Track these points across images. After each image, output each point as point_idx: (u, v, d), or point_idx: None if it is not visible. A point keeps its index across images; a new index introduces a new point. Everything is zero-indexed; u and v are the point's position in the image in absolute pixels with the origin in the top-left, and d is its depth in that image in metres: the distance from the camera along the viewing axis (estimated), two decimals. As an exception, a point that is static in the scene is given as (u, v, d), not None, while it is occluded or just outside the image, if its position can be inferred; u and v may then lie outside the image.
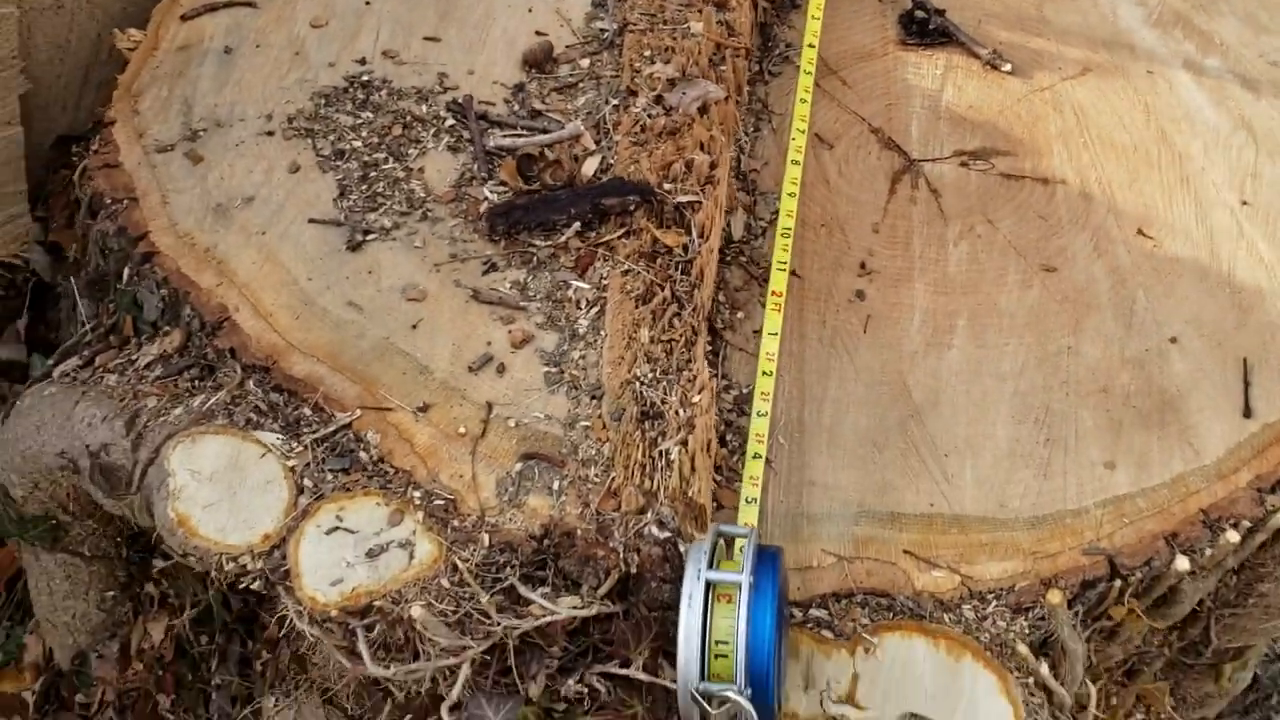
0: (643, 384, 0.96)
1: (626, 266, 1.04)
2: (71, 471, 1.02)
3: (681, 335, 0.99)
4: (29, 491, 1.12)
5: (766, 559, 0.84)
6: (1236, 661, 1.23)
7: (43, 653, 1.39)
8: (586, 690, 0.91)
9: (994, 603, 0.95)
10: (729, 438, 1.02)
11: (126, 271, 1.09)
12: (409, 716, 0.88)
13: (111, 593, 1.27)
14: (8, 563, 1.41)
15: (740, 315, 1.11)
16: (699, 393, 0.95)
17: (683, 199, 1.07)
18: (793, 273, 1.13)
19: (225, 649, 1.19)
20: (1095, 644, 1.04)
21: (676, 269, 1.04)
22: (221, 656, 1.20)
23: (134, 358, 1.05)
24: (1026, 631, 0.94)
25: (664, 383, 0.96)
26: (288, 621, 0.88)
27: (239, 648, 1.18)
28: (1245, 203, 1.25)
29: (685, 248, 1.05)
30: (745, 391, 1.05)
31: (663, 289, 1.02)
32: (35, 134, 1.35)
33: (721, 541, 0.88)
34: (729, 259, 1.14)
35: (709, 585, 0.81)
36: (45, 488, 1.11)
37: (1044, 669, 0.92)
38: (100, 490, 0.99)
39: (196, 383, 1.00)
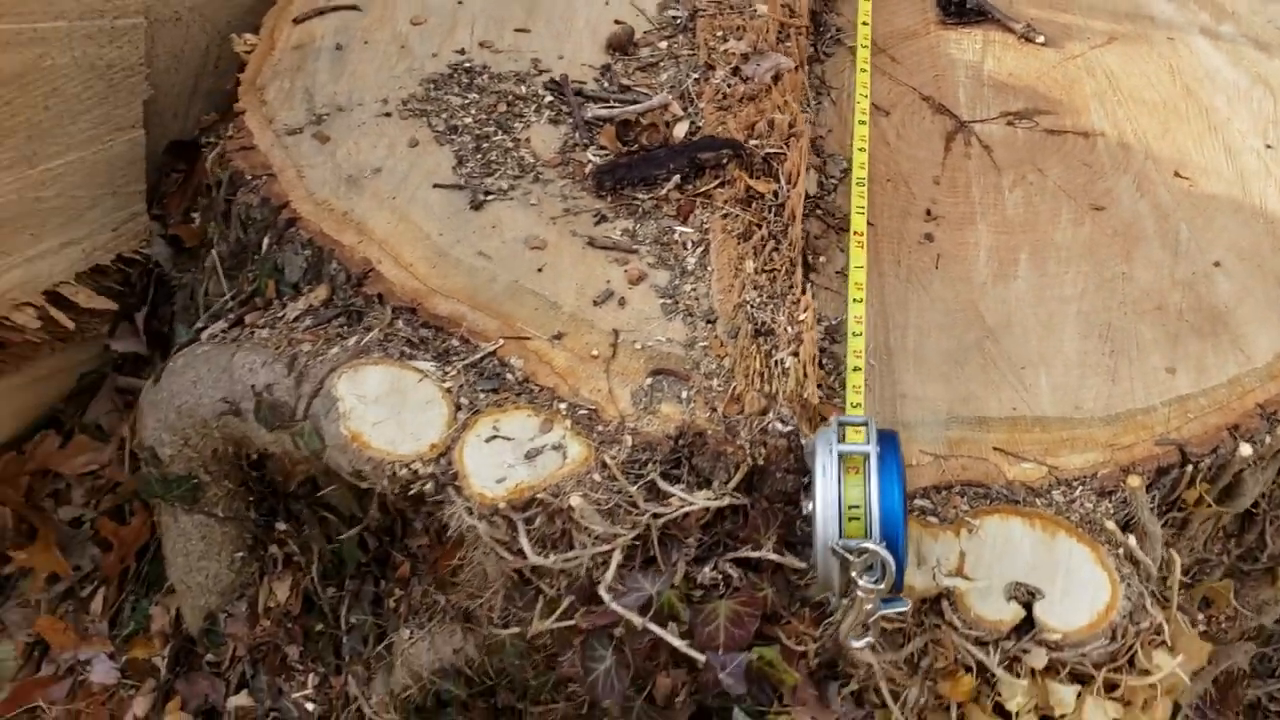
0: (752, 307, 1.07)
1: (725, 211, 1.15)
2: (232, 414, 1.13)
3: (782, 266, 1.11)
4: (178, 450, 1.22)
5: (887, 436, 0.94)
6: (1291, 563, 1.32)
7: (169, 621, 1.48)
8: (721, 577, 1.01)
9: (1080, 488, 1.05)
10: (824, 362, 1.13)
11: (266, 241, 1.20)
12: (571, 599, 0.98)
13: (240, 554, 1.36)
14: (133, 538, 1.51)
15: (822, 259, 1.22)
16: (804, 312, 1.07)
17: (769, 151, 1.19)
18: (867, 222, 1.24)
19: (359, 591, 1.29)
20: (1166, 538, 1.14)
21: (770, 211, 1.16)
22: (354, 598, 1.29)
23: (281, 313, 1.16)
24: (1111, 512, 1.04)
25: (771, 305, 1.08)
26: (454, 519, 0.98)
27: (372, 588, 1.28)
28: (1269, 146, 1.37)
29: (775, 193, 1.17)
30: (835, 323, 1.16)
31: (760, 228, 1.13)
32: (150, 139, 1.47)
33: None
34: (806, 212, 1.26)
35: (840, 457, 0.91)
36: (195, 442, 1.21)
37: (1131, 540, 1.02)
38: (264, 425, 1.09)
39: (345, 328, 1.11)
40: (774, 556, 0.99)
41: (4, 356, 1.43)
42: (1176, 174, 1.33)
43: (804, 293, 1.09)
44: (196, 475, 1.26)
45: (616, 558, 0.97)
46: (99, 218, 1.42)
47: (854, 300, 1.13)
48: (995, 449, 1.07)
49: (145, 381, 1.53)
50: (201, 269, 1.41)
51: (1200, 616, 1.30)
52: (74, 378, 1.57)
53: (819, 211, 1.26)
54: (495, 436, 0.99)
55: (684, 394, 1.03)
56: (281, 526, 1.36)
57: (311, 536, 1.32)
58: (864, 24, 1.41)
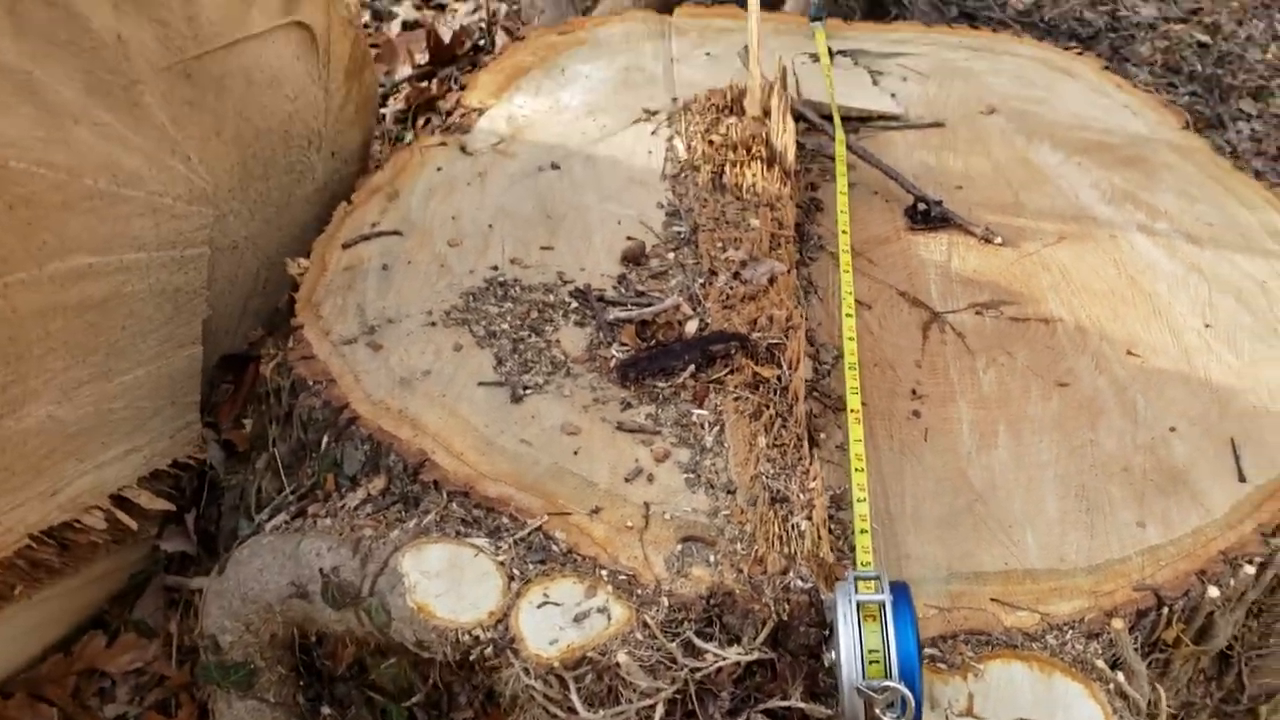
0: (767, 478, 1.21)
1: (736, 394, 1.31)
2: (299, 597, 1.23)
3: (790, 440, 1.25)
4: (238, 636, 1.32)
5: (899, 587, 1.06)
6: (1269, 703, 1.42)
7: (210, 813, 1.53)
8: (753, 727, 1.11)
9: (1070, 632, 1.17)
10: (832, 528, 1.26)
11: (326, 439, 1.34)
12: (620, 752, 1.07)
13: (287, 739, 1.44)
14: (178, 735, 1.58)
15: (823, 436, 1.37)
16: (813, 480, 1.20)
17: (771, 342, 1.35)
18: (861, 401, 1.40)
19: (406, 768, 1.36)
20: (1152, 677, 1.25)
21: (775, 393, 1.31)
22: (402, 775, 1.36)
23: (342, 503, 1.28)
24: (1099, 652, 1.16)
25: (783, 476, 1.22)
26: (511, 681, 1.08)
27: (420, 764, 1.35)
28: (1208, 325, 1.55)
29: (779, 377, 1.33)
30: (838, 492, 1.29)
31: (768, 408, 1.29)
32: (205, 353, 1.62)
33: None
34: (805, 394, 1.41)
35: (858, 607, 1.03)
36: (256, 628, 1.31)
37: (1120, 677, 1.13)
38: (331, 605, 1.20)
39: (404, 512, 1.23)
40: (801, 705, 1.09)
41: (67, 559, 1.53)
42: (1129, 352, 1.50)
43: (812, 463, 1.23)
44: (253, 661, 1.35)
45: (660, 711, 1.07)
46: (159, 426, 1.55)
47: (855, 470, 1.27)
48: (992, 600, 1.19)
49: (192, 579, 1.64)
50: (252, 470, 1.54)
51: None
52: (124, 578, 1.67)
53: (816, 394, 1.42)
54: (546, 603, 1.11)
55: (711, 558, 1.15)
56: (326, 710, 1.44)
57: (358, 717, 1.40)
58: (843, 232, 1.61)
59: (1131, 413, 1.41)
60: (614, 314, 1.43)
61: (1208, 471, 1.34)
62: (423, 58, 3.13)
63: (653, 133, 1.83)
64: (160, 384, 1.53)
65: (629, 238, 1.58)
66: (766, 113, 1.77)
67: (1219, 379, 1.47)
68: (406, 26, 3.46)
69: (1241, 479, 1.34)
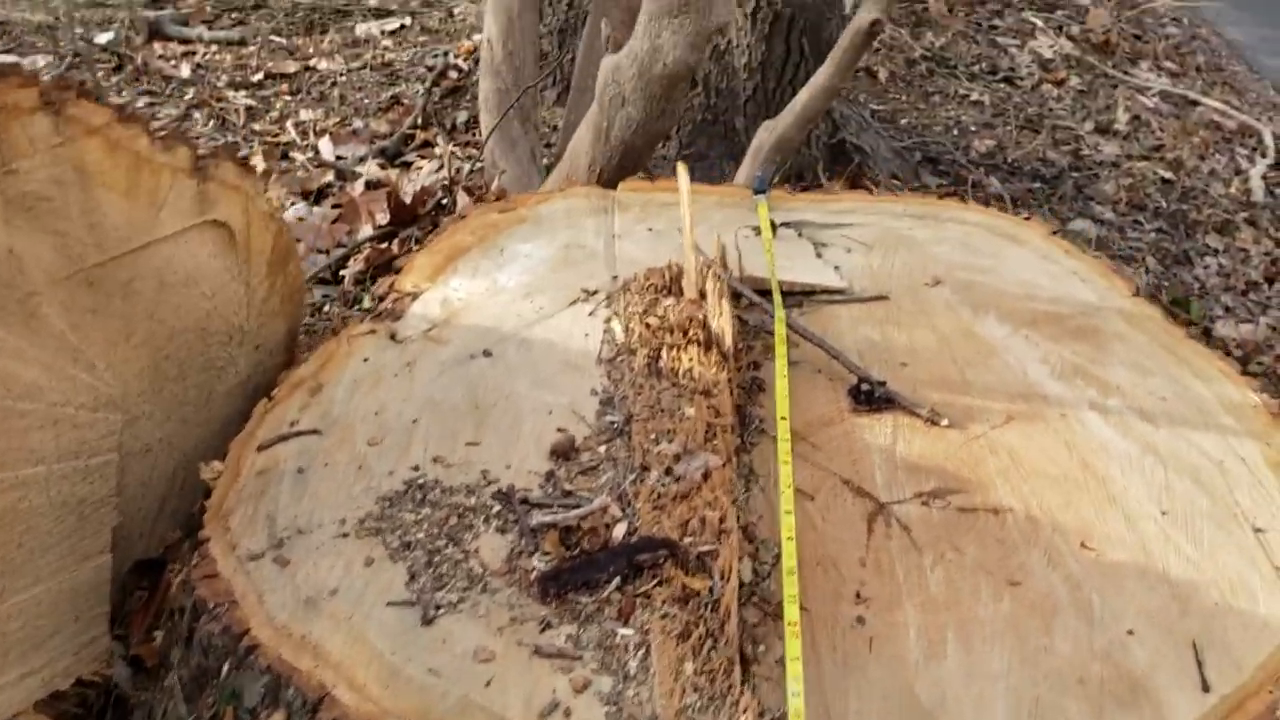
0: (694, 711, 1.12)
1: (664, 611, 1.23)
2: None
3: (720, 665, 1.17)
4: None
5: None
6: None
7: None
8: None
9: None
10: (771, 759, 1.17)
11: (226, 667, 1.25)
12: None
13: None
14: None
15: (762, 648, 1.28)
16: (744, 713, 1.11)
17: (702, 549, 1.28)
18: (801, 607, 1.32)
19: None
20: None
21: (706, 608, 1.23)
22: None
23: (238, 741, 1.19)
24: None
25: (712, 708, 1.13)
26: None
27: None
28: (1164, 512, 1.48)
29: (710, 589, 1.25)
30: (778, 715, 1.20)
31: (698, 626, 1.20)
32: (116, 560, 1.53)
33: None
34: (743, 600, 1.33)
35: None
36: None
37: None
38: None
39: (301, 755, 1.14)
40: None
41: (-47, 793, 1.41)
42: (1083, 545, 1.43)
43: (743, 693, 1.14)
44: None
45: None
46: (60, 644, 1.45)
47: (792, 694, 1.18)
48: (941, 841, 1.10)
49: (96, 805, 1.52)
50: (160, 690, 1.44)
51: None
52: (22, 808, 1.54)
53: (755, 599, 1.34)
54: None
55: (632, 806, 1.05)
56: None
57: None
58: (783, 419, 1.55)
59: (1087, 613, 1.33)
60: (538, 518, 1.35)
61: (1169, 679, 1.26)
62: (384, 218, 3.13)
63: (591, 314, 1.79)
64: (61, 600, 1.44)
65: (559, 429, 1.52)
66: (704, 294, 1.73)
67: (1178, 572, 1.39)
68: (370, 185, 3.48)
69: (1205, 688, 1.25)
